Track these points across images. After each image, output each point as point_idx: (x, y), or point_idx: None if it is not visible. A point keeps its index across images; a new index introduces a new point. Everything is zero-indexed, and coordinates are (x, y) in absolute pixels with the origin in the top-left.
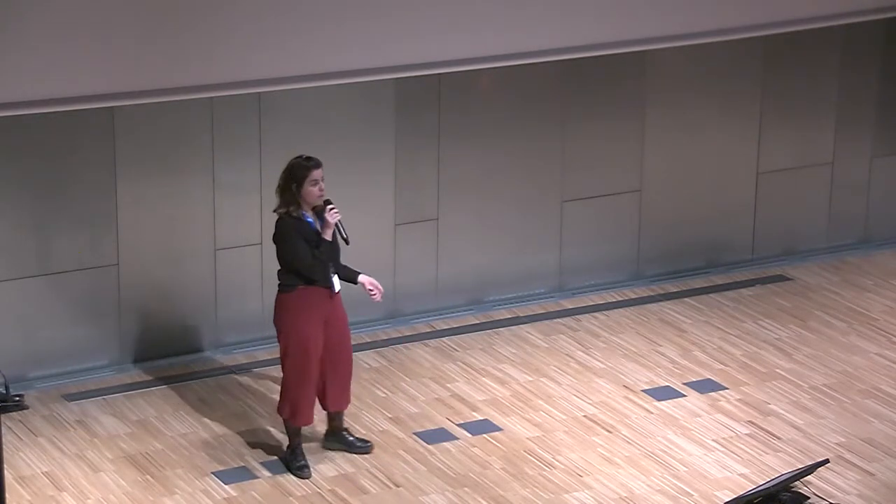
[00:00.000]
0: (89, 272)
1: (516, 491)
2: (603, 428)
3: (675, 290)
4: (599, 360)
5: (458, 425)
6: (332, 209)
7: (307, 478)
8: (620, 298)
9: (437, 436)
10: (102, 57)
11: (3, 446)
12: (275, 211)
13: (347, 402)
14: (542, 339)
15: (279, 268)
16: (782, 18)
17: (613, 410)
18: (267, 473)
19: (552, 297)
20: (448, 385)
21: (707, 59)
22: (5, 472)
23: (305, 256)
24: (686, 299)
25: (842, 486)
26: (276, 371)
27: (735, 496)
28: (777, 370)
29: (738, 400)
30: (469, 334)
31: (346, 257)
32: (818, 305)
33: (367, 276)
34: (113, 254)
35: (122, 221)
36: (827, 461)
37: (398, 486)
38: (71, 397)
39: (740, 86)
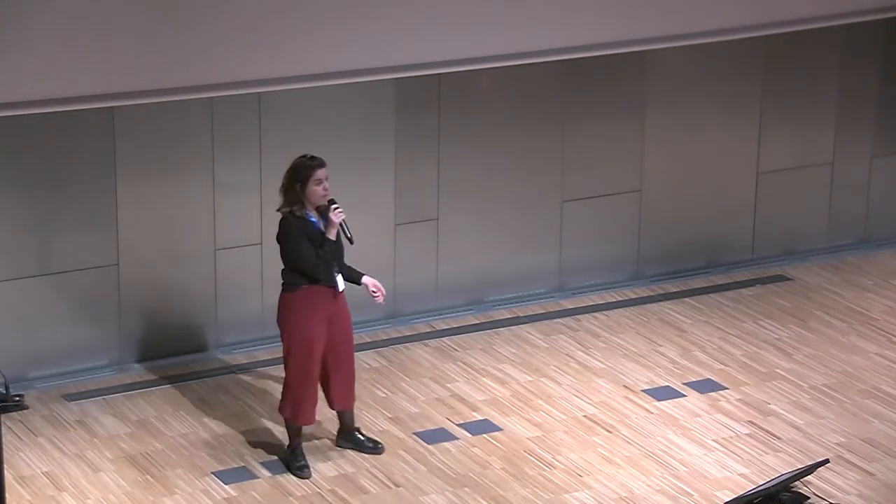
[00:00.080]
0: (89, 272)
1: (516, 491)
2: (603, 428)
3: (675, 290)
4: (599, 360)
5: (458, 425)
6: (336, 209)
7: (307, 478)
8: (620, 298)
9: (437, 436)
10: (102, 57)
11: (3, 446)
12: (279, 210)
13: (353, 400)
14: (542, 339)
15: (283, 267)
16: (782, 18)
17: (613, 410)
18: (267, 473)
19: (552, 297)
20: (448, 385)
21: (707, 59)
22: (5, 472)
23: (309, 256)
24: (686, 299)
25: (842, 486)
26: (277, 371)
27: (735, 496)
28: (777, 370)
29: (738, 400)
30: (469, 334)
31: (346, 257)
32: (818, 305)
33: (370, 278)
34: (113, 254)
35: (122, 221)
36: (827, 461)
37: (398, 486)
38: (71, 397)
39: (740, 86)
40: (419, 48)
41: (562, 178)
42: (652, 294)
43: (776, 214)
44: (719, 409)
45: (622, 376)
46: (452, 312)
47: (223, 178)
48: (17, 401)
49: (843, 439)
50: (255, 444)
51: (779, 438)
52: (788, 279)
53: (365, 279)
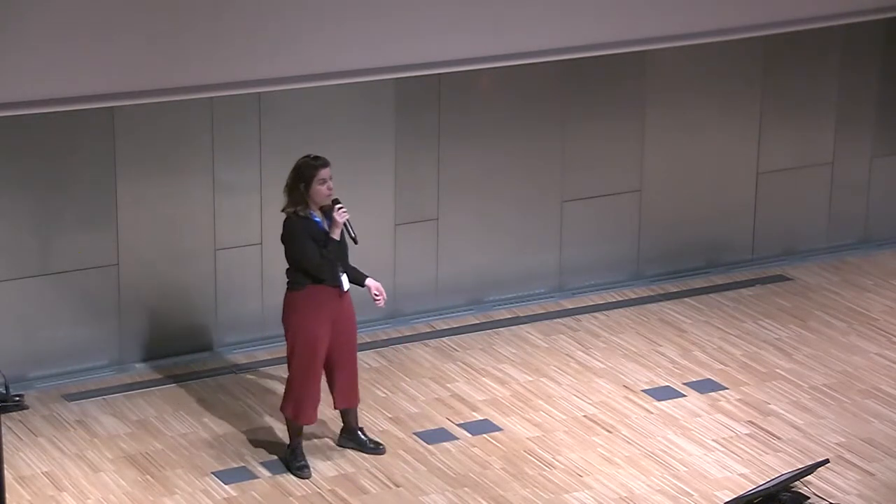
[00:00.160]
0: (89, 272)
1: (516, 491)
2: (603, 428)
3: (675, 290)
4: (599, 360)
5: (458, 425)
6: (340, 208)
7: (307, 478)
8: (620, 298)
9: (437, 436)
10: (102, 57)
11: (3, 446)
12: (283, 210)
13: (356, 399)
14: (542, 339)
15: (287, 267)
16: (782, 18)
17: (613, 410)
18: (267, 473)
19: (552, 297)
20: (448, 385)
21: (707, 59)
22: (5, 472)
23: (313, 256)
24: (686, 299)
25: (842, 486)
26: (277, 371)
27: (735, 496)
28: (777, 370)
29: (738, 400)
30: (469, 334)
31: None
32: (818, 305)
33: (374, 281)
34: (113, 254)
35: (122, 221)
36: (827, 461)
37: (398, 486)
38: (71, 397)
39: (740, 86)
40: (419, 48)
41: (562, 178)
42: (652, 294)
43: (776, 214)
44: (719, 409)
45: (622, 376)
46: (452, 312)
47: (223, 178)
48: (17, 401)
49: (843, 439)
50: (255, 444)
51: (779, 438)
52: (788, 279)
53: (368, 281)
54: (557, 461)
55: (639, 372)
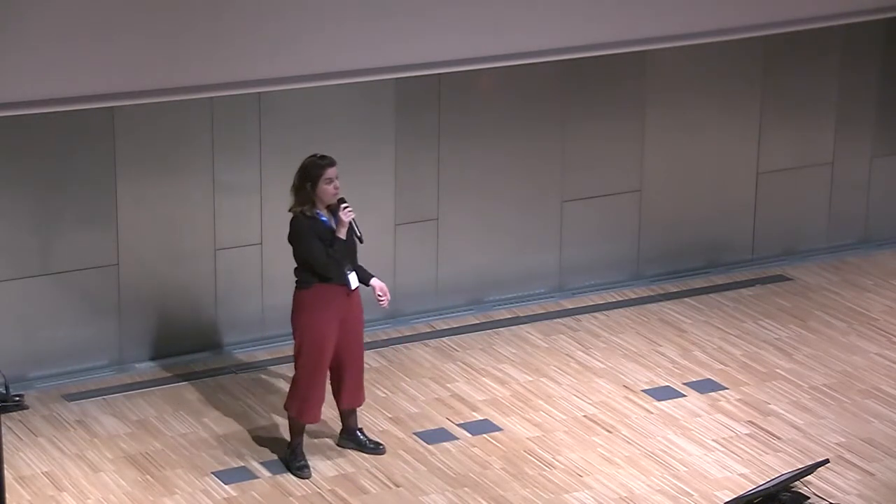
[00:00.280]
0: (89, 272)
1: (516, 491)
2: (603, 428)
3: (675, 290)
4: (599, 360)
5: (458, 425)
6: (346, 208)
7: (307, 478)
8: (620, 298)
9: (437, 436)
10: (102, 57)
11: (3, 446)
12: (290, 210)
13: (362, 398)
14: (542, 339)
15: (295, 266)
16: (782, 18)
17: (613, 410)
18: (267, 473)
19: (552, 297)
20: (448, 385)
21: (707, 59)
22: (5, 472)
23: (320, 255)
24: (686, 299)
25: (842, 486)
26: (277, 371)
27: (735, 496)
28: (777, 370)
29: (738, 400)
30: (469, 334)
31: None
32: (818, 305)
33: (379, 281)
34: (113, 254)
35: (122, 221)
36: (827, 461)
37: (398, 486)
38: (71, 397)
39: (740, 86)
40: (419, 48)
41: (562, 178)
42: (652, 294)
43: (776, 214)
44: (719, 409)
45: (622, 376)
46: (452, 312)
47: (223, 179)
48: (17, 401)
49: (843, 439)
50: (255, 444)
51: (779, 438)
52: (788, 279)
53: (373, 281)
54: (557, 461)
55: (639, 372)
